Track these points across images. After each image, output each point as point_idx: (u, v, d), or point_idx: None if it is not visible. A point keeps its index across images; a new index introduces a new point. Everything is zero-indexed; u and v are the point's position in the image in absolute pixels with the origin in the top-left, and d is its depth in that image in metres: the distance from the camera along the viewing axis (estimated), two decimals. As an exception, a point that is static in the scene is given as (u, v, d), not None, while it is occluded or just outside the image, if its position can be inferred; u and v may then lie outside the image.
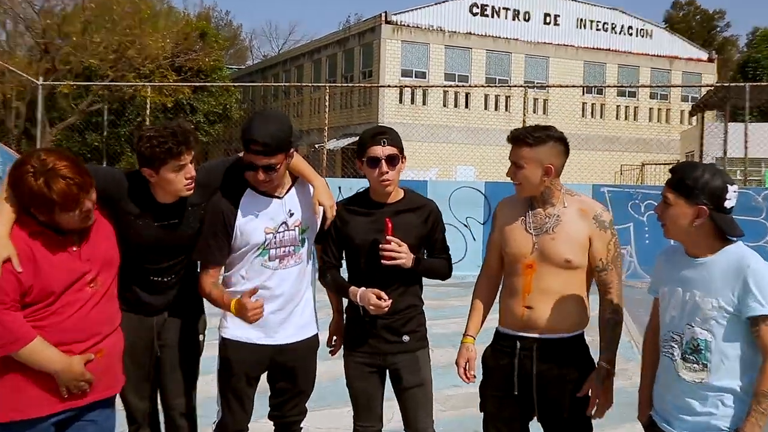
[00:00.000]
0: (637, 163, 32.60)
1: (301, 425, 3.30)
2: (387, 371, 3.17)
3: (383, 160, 3.00)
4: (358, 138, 3.18)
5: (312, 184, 3.15)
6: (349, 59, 35.31)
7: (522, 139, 2.81)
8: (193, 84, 20.76)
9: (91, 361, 2.56)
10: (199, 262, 3.13)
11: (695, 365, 2.49)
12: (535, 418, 2.95)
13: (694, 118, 31.58)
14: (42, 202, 2.43)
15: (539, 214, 2.90)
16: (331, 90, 17.42)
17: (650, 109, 37.71)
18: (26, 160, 2.46)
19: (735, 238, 2.51)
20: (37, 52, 21.94)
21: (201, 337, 3.25)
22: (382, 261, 2.97)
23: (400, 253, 2.97)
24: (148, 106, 14.82)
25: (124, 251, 2.84)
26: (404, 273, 3.05)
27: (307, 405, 3.29)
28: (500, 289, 3.05)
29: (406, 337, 3.11)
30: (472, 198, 11.44)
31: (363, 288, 3.01)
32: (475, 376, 3.01)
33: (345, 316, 3.24)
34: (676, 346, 2.54)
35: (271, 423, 3.29)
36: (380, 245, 2.98)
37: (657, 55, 37.83)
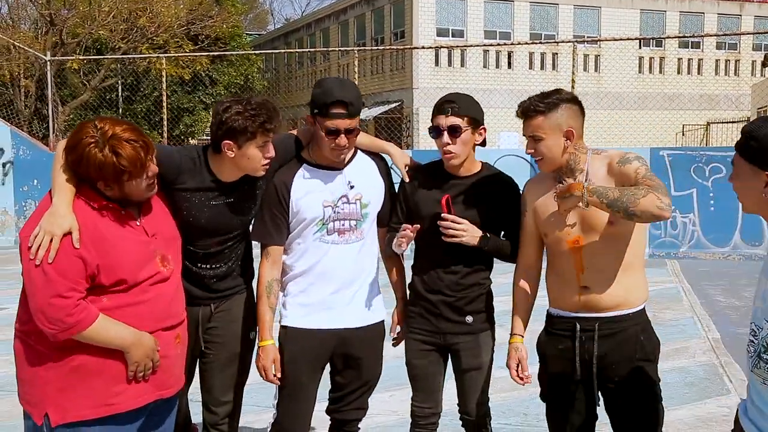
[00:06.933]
0: (701, 123, 32.04)
1: (359, 426, 3.33)
2: (448, 351, 3.21)
3: (445, 131, 3.04)
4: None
5: (388, 152, 3.30)
6: (379, 19, 35.20)
7: (533, 108, 2.87)
8: (211, 54, 20.82)
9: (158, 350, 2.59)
10: (259, 244, 3.15)
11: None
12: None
13: None
14: (111, 171, 2.46)
15: None
16: (360, 54, 17.42)
17: (716, 60, 36.92)
18: (82, 133, 2.47)
19: None
20: (43, 24, 22.25)
21: (252, 334, 3.23)
22: (442, 237, 3.02)
23: (458, 230, 3.00)
24: (164, 79, 15.01)
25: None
26: (470, 250, 3.07)
27: None
28: (544, 272, 3.06)
29: (469, 318, 3.15)
30: (517, 167, 11.34)
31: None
32: (530, 376, 3.02)
33: (408, 293, 3.28)
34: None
35: (327, 419, 3.32)
36: (438, 222, 3.02)
37: (724, -1, 36.94)
